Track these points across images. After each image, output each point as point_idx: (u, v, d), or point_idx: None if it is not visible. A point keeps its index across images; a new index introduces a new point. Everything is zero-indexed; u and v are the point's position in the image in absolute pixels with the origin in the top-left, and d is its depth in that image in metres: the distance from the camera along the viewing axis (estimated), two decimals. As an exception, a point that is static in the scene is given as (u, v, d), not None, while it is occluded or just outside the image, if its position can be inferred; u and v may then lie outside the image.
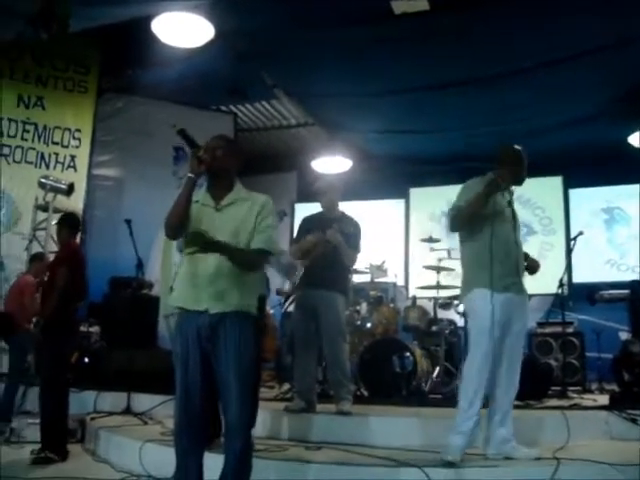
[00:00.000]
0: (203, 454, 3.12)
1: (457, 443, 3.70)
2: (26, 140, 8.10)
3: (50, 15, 6.30)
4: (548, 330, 8.00)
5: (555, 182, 10.16)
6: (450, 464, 3.61)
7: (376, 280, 7.58)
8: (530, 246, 9.97)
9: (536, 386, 5.65)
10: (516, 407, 4.99)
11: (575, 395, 6.31)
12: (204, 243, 3.02)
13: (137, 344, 6.57)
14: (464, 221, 3.92)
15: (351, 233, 5.10)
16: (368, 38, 7.06)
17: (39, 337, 4.98)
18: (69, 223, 5.34)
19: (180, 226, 3.11)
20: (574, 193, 10.15)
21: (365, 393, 6.13)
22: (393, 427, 4.57)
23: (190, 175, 3.10)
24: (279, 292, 7.63)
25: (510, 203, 4.03)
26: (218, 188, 3.23)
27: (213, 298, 3.06)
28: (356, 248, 5.18)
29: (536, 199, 10.24)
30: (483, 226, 3.89)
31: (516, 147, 4.13)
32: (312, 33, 7.07)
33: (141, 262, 6.41)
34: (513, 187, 4.09)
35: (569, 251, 7.04)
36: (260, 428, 4.71)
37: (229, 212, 3.17)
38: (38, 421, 5.05)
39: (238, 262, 3.10)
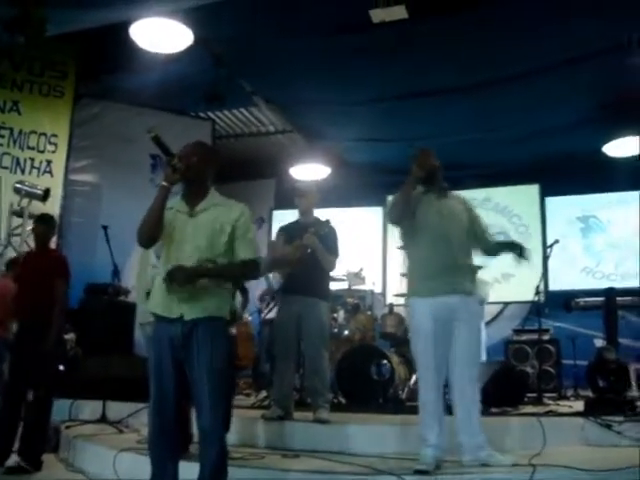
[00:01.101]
0: (178, 462, 3.10)
1: (427, 453, 3.71)
2: (1, 145, 7.99)
3: (26, 19, 6.24)
4: (524, 337, 8.08)
5: (532, 190, 10.28)
6: (423, 472, 3.60)
7: (353, 288, 7.59)
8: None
9: (512, 393, 5.69)
10: (492, 414, 5.06)
11: (551, 402, 6.36)
12: (187, 277, 3.02)
13: (113, 351, 6.49)
14: (394, 214, 3.96)
15: (327, 235, 5.08)
16: (347, 46, 7.10)
17: (30, 345, 4.89)
18: (47, 221, 5.29)
19: (153, 235, 3.10)
20: (550, 201, 10.27)
21: (342, 401, 6.12)
22: (371, 435, 4.56)
23: (164, 184, 3.09)
24: (261, 298, 7.60)
25: (439, 202, 3.99)
26: (193, 195, 3.22)
27: (187, 304, 3.05)
28: (334, 252, 5.17)
29: (513, 207, 10.35)
30: (407, 236, 4.01)
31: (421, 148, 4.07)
32: (291, 41, 7.09)
33: (117, 268, 6.35)
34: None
35: (545, 259, 7.09)
36: (236, 436, 4.69)
37: (203, 218, 3.16)
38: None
39: (231, 279, 3.11)
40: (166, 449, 3.06)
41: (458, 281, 3.84)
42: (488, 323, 8.51)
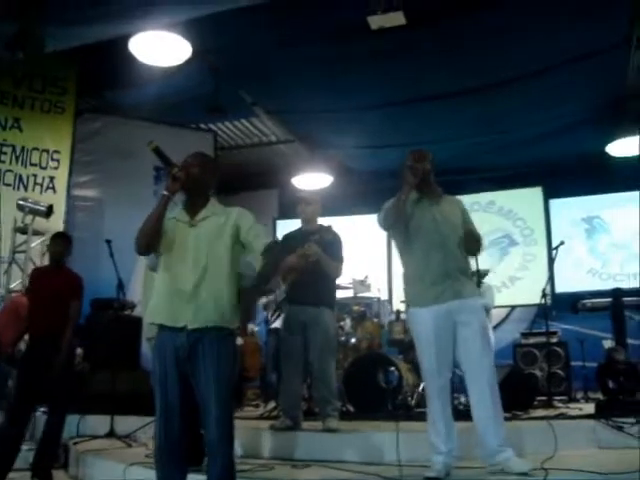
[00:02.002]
0: (186, 474, 3.08)
1: (437, 460, 3.69)
2: (3, 162, 8.01)
3: (26, 36, 6.27)
4: (532, 340, 8.04)
5: (535, 193, 10.25)
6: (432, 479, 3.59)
7: (359, 295, 7.57)
8: (512, 257, 10.11)
9: (521, 397, 5.66)
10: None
11: (561, 405, 6.32)
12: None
13: (120, 366, 6.48)
14: (387, 221, 3.94)
15: (331, 241, 5.06)
16: (346, 54, 7.10)
17: (42, 361, 4.90)
18: (65, 240, 5.33)
19: (150, 242, 3.11)
20: (554, 203, 10.24)
21: (351, 409, 6.09)
22: (380, 443, 4.52)
23: (164, 193, 3.10)
24: (266, 307, 7.59)
25: (433, 208, 3.96)
26: (193, 204, 3.23)
27: (192, 314, 3.04)
28: (338, 258, 5.15)
29: (517, 210, 10.33)
30: (402, 243, 3.99)
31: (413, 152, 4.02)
32: (290, 50, 7.10)
33: (121, 282, 6.34)
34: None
35: (551, 261, 7.08)
36: (245, 447, 4.67)
37: (203, 227, 3.17)
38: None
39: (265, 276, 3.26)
40: (173, 462, 3.04)
41: (456, 286, 3.81)
42: (495, 327, 8.45)
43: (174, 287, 3.09)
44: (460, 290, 3.82)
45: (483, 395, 3.72)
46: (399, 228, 3.94)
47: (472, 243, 3.97)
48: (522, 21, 6.44)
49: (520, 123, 8.52)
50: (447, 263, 3.82)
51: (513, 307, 9.87)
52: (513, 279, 9.71)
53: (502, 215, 10.32)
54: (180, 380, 3.05)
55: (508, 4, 6.12)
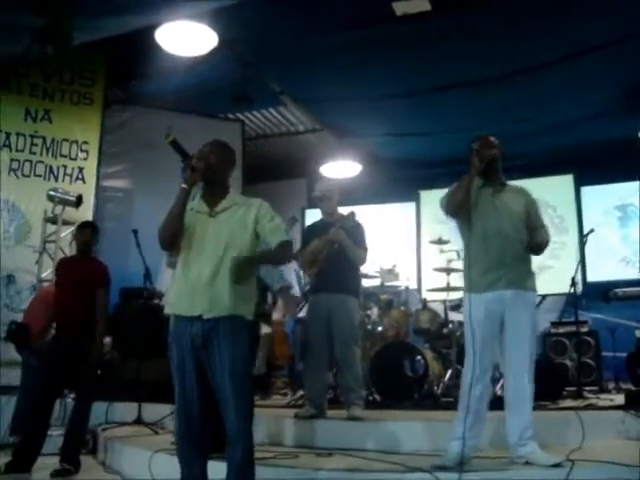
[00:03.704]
0: (206, 462, 3.10)
1: (452, 449, 3.67)
2: (34, 154, 8.13)
3: (55, 29, 6.33)
4: (562, 330, 7.93)
5: (566, 180, 10.08)
6: (441, 468, 3.57)
7: (387, 284, 7.54)
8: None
9: (550, 387, 5.58)
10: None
11: (591, 395, 6.23)
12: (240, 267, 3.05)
13: (148, 354, 6.55)
14: (450, 206, 3.91)
15: (353, 228, 5.06)
16: (372, 41, 7.04)
17: (69, 348, 4.97)
18: (91, 229, 5.40)
19: (173, 237, 3.12)
20: (586, 191, 10.06)
21: (377, 398, 6.08)
22: (405, 432, 4.52)
23: (183, 186, 3.10)
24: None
25: (495, 196, 3.93)
26: (212, 195, 3.23)
27: (208, 303, 3.05)
28: (362, 245, 5.15)
29: (547, 198, 10.13)
30: (463, 229, 3.95)
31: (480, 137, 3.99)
32: (316, 38, 7.05)
33: (149, 272, 6.41)
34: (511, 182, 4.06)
35: (582, 249, 6.96)
36: (270, 435, 4.70)
37: (223, 218, 3.17)
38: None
39: (272, 263, 3.26)
40: (193, 449, 3.07)
41: (510, 276, 3.78)
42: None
43: (192, 276, 3.10)
44: (515, 280, 3.79)
45: (522, 388, 3.71)
46: (462, 213, 3.89)
47: (535, 240, 3.94)
48: (552, 5, 6.32)
49: (550, 110, 8.37)
50: (504, 252, 3.80)
51: (543, 296, 9.72)
52: (543, 268, 9.54)
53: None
54: (197, 367, 3.07)
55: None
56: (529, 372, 3.74)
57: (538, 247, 3.95)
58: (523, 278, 3.86)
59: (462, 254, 4.09)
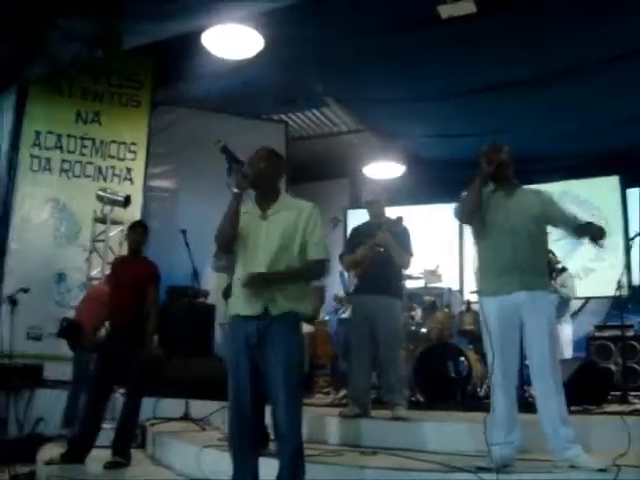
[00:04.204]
0: (258, 458, 3.18)
1: (494, 451, 3.64)
2: (84, 155, 8.34)
3: (105, 35, 6.51)
4: (607, 334, 7.84)
5: (612, 182, 9.93)
6: (484, 469, 3.57)
7: (430, 285, 7.56)
8: (586, 248, 9.78)
9: (594, 391, 5.54)
10: (574, 412, 4.93)
11: (637, 400, 6.16)
12: (264, 281, 3.14)
13: (193, 351, 6.67)
14: (462, 213, 3.97)
15: (400, 232, 5.10)
16: (416, 43, 7.07)
17: (122, 346, 5.12)
18: (142, 229, 5.55)
19: (229, 241, 3.22)
20: (632, 193, 9.91)
21: (420, 398, 6.10)
22: (448, 432, 4.54)
23: (235, 191, 3.19)
24: (335, 298, 7.67)
25: (507, 199, 3.94)
26: (264, 198, 3.32)
27: (262, 303, 3.14)
28: (408, 250, 5.19)
29: (593, 200, 10.04)
30: (477, 234, 3.99)
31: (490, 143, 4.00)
32: (360, 40, 7.10)
33: (196, 271, 6.52)
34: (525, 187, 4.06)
35: (627, 252, 6.87)
36: (315, 433, 4.75)
37: (276, 220, 3.25)
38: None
39: (303, 280, 3.25)
40: (246, 446, 3.15)
41: (524, 278, 3.77)
42: (573, 315, 8.24)
43: None
44: (529, 282, 3.77)
45: (546, 391, 3.69)
46: (475, 219, 3.94)
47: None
48: (599, 5, 6.26)
49: (595, 111, 8.28)
50: (517, 255, 3.79)
51: (587, 299, 9.63)
52: (587, 270, 9.47)
53: (577, 204, 10.03)
54: (251, 366, 3.16)
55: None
56: (554, 373, 3.70)
57: (586, 230, 3.88)
58: (538, 279, 3.84)
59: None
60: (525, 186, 4.09)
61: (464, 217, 4.03)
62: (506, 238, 3.83)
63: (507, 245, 3.82)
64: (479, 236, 4.01)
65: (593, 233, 3.85)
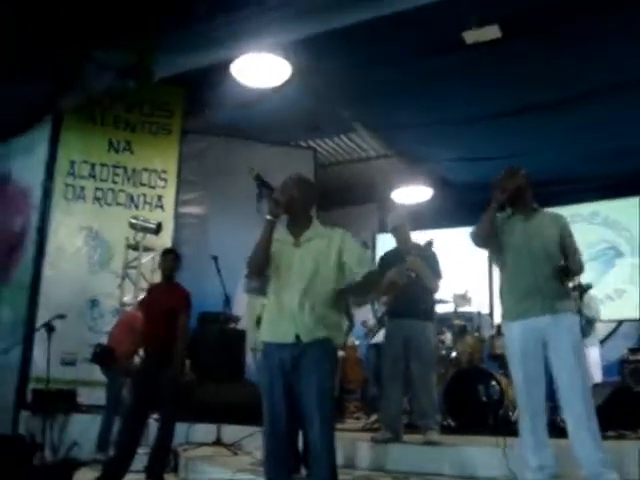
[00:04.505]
0: (291, 482, 3.21)
1: (526, 476, 3.66)
2: (116, 183, 8.48)
3: (137, 66, 6.68)
4: (641, 357, 7.74)
5: (642, 203, 9.86)
6: None
7: (460, 310, 7.53)
8: (619, 269, 9.75)
9: (630, 415, 5.47)
10: (609, 437, 4.88)
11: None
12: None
13: (225, 377, 6.71)
14: (477, 238, 4.00)
15: (429, 256, 5.13)
16: (442, 68, 7.13)
17: (156, 372, 5.19)
18: (174, 256, 5.65)
19: (261, 267, 3.27)
20: (664, 214, 9.81)
21: (452, 423, 6.08)
22: (480, 457, 4.52)
23: (268, 218, 3.25)
24: (364, 324, 7.67)
25: (526, 222, 3.95)
26: (297, 225, 3.37)
27: (296, 330, 3.18)
28: (437, 274, 5.22)
29: (622, 220, 9.95)
30: (496, 259, 4.05)
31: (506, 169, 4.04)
32: (387, 66, 7.18)
33: (228, 298, 6.57)
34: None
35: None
36: (346, 458, 4.76)
37: (308, 248, 3.30)
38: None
39: (361, 293, 3.34)
40: (280, 471, 3.18)
41: (546, 302, 3.77)
42: (602, 342, 8.16)
43: (280, 305, 3.25)
44: (551, 305, 3.78)
45: (577, 415, 3.65)
46: (491, 244, 3.97)
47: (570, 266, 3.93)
48: (624, 28, 6.28)
49: (623, 131, 8.24)
50: (537, 278, 3.80)
51: (620, 322, 9.52)
52: (620, 292, 9.37)
53: (607, 226, 9.97)
54: (285, 392, 3.20)
55: (609, 8, 5.97)
56: (584, 396, 3.66)
57: (570, 272, 3.95)
58: (560, 302, 3.82)
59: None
60: (546, 210, 4.11)
61: (479, 242, 4.04)
62: (526, 262, 3.84)
63: (527, 269, 3.83)
64: (498, 260, 4.04)
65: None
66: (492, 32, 5.93)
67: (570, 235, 4.01)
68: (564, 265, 3.90)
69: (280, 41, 6.52)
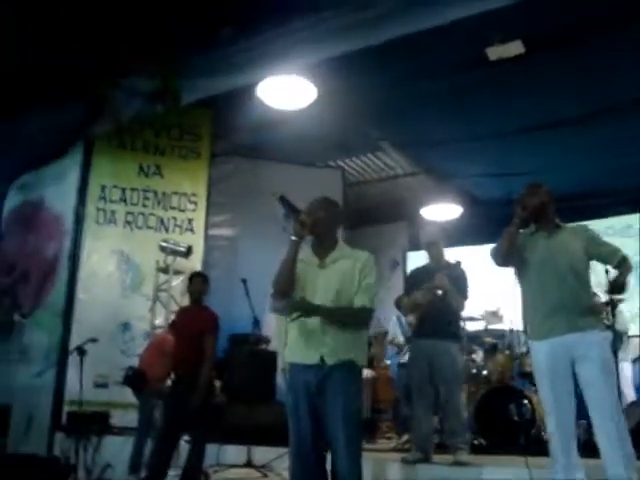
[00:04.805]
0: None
1: None
2: (146, 207, 8.57)
3: (165, 91, 6.80)
4: (679, 373, 7.57)
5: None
6: None
7: (491, 327, 7.47)
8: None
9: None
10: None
11: None
12: (305, 311, 3.19)
13: (256, 398, 6.73)
14: (497, 256, 3.94)
15: (458, 276, 5.11)
16: (467, 84, 7.13)
17: (186, 395, 5.22)
18: (203, 279, 5.72)
19: (286, 288, 3.29)
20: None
21: (482, 442, 6.01)
22: (511, 477, 4.46)
23: (294, 238, 3.27)
24: (392, 342, 7.65)
25: (549, 239, 3.89)
26: (322, 247, 3.39)
27: (321, 352, 3.20)
28: (464, 294, 5.18)
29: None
30: (519, 277, 3.97)
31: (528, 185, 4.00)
32: (412, 85, 7.20)
33: (257, 320, 6.60)
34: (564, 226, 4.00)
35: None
36: (376, 478, 4.74)
37: (333, 269, 3.32)
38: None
39: (342, 323, 3.25)
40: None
41: (572, 319, 3.70)
42: (634, 361, 7.99)
43: (305, 327, 3.27)
44: (577, 323, 3.71)
45: (608, 434, 3.56)
46: (512, 262, 3.93)
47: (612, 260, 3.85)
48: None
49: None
50: (562, 295, 3.74)
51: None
52: (655, 307, 9.19)
53: (631, 237, 9.81)
54: (311, 413, 3.21)
55: (631, 24, 5.93)
56: (614, 415, 3.57)
57: (619, 280, 3.80)
58: (586, 319, 3.74)
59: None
60: (570, 225, 4.06)
61: (499, 260, 3.98)
62: (551, 279, 3.78)
63: (552, 286, 3.77)
64: (522, 278, 3.98)
65: (616, 286, 3.81)
66: (515, 48, 5.91)
67: (597, 238, 3.94)
68: (614, 279, 3.83)
69: (304, 63, 6.57)
